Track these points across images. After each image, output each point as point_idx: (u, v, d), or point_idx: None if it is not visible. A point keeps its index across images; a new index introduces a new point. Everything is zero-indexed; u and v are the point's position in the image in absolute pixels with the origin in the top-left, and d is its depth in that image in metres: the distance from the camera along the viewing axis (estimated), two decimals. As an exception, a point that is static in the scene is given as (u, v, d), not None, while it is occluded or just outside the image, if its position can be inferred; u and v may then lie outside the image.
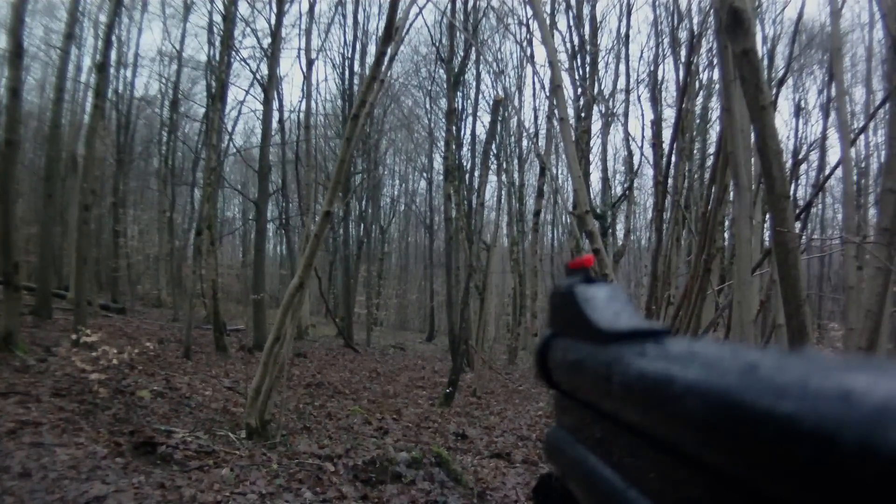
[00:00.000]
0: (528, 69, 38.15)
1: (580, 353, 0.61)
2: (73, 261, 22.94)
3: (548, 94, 27.88)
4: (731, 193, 12.65)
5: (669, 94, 33.47)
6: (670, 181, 16.59)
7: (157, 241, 41.84)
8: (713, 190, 10.44)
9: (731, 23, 5.72)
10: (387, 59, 11.10)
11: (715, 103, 28.80)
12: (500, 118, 30.64)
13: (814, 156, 35.00)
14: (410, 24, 16.01)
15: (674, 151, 15.73)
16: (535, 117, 36.06)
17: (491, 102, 35.65)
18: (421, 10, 18.73)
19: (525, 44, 33.49)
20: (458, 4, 29.10)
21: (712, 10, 11.10)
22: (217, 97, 24.28)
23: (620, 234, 32.25)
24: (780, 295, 7.66)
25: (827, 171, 28.61)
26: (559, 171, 39.09)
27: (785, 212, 5.71)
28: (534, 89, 48.50)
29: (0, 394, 10.98)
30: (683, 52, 28.14)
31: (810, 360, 0.35)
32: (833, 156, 34.08)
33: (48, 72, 39.66)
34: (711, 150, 28.42)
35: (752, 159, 8.09)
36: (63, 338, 16.31)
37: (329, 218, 11.13)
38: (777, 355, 0.37)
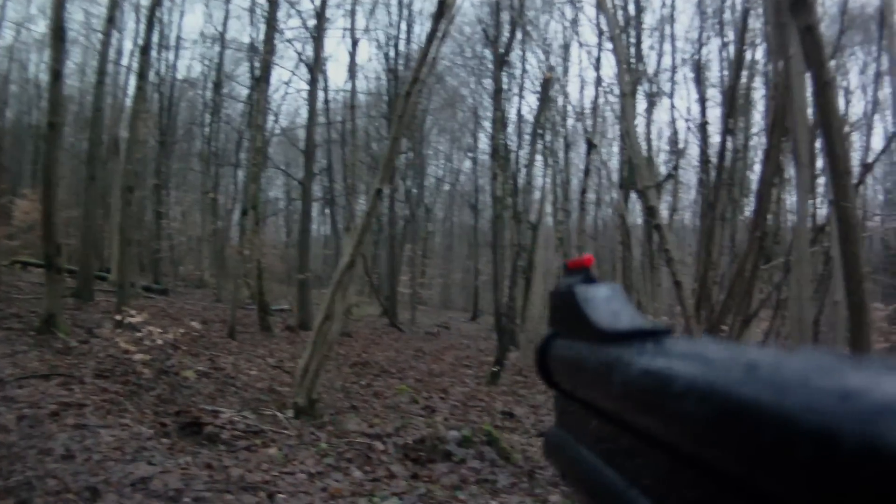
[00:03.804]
0: (574, 48, 38.16)
1: (580, 353, 0.60)
2: (115, 243, 23.09)
3: (596, 69, 27.82)
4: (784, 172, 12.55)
5: (712, 73, 33.35)
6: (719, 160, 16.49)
7: (200, 222, 42.09)
8: (766, 168, 10.37)
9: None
10: (439, 36, 11.02)
11: (757, 83, 28.66)
12: (547, 96, 30.61)
13: (854, 136, 34.75)
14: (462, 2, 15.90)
15: (725, 131, 15.65)
16: (581, 95, 36.08)
17: (536, 82, 35.65)
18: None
19: (571, 21, 33.54)
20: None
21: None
22: (262, 78, 24.35)
23: (664, 212, 32.14)
24: (836, 273, 7.54)
25: (870, 151, 28.33)
26: (603, 150, 39.09)
27: (847, 187, 5.62)
28: (579, 67, 48.33)
29: (42, 376, 11.04)
30: (728, 31, 28.06)
31: (810, 360, 0.35)
32: (876, 140, 33.74)
33: (88, 55, 39.97)
34: (754, 129, 28.25)
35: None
36: (105, 319, 16.43)
37: (380, 196, 11.15)
38: (777, 355, 0.37)
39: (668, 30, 33.94)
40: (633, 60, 29.42)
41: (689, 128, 32.34)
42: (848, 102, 36.52)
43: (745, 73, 28.13)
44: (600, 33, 31.44)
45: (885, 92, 24.09)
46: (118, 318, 14.13)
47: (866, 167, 23.71)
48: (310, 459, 8.49)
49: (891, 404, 0.28)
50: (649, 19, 36.69)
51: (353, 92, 29.04)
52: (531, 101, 37.31)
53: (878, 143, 29.68)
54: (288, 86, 37.52)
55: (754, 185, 26.34)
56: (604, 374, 0.52)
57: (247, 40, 36.07)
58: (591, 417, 0.57)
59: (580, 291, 0.64)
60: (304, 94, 31.73)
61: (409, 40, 36.20)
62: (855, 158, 33.95)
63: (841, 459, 0.28)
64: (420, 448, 9.28)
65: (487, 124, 33.27)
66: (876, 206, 38.46)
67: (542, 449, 0.72)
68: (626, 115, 11.36)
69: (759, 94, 28.73)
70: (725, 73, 28.70)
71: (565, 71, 38.25)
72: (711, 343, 0.45)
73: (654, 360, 0.46)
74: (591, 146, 26.93)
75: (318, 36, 28.08)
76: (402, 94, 11.14)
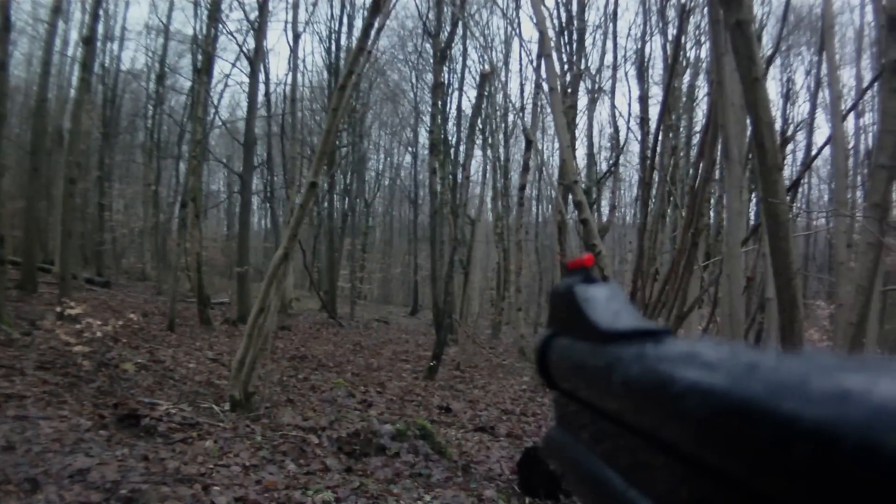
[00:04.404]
0: (515, 45, 38.29)
1: (580, 352, 0.60)
2: (59, 235, 22.93)
3: (535, 66, 27.91)
4: (720, 169, 12.67)
5: (656, 71, 33.59)
6: (657, 157, 16.60)
7: (142, 214, 41.81)
8: (701, 165, 10.45)
9: (726, -7, 5.70)
10: (374, 30, 11.08)
11: (701, 81, 28.98)
12: (486, 92, 30.69)
13: (800, 137, 35.12)
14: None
15: (661, 127, 15.74)
16: (522, 92, 36.16)
17: (477, 77, 35.76)
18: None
19: (512, 17, 33.54)
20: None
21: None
22: (203, 70, 24.33)
23: (605, 209, 32.34)
24: (769, 270, 7.62)
25: (814, 151, 28.75)
26: (545, 147, 39.14)
27: (777, 184, 5.69)
28: (520, 64, 48.58)
29: (-16, 368, 10.96)
30: (671, 29, 28.18)
31: (810, 360, 0.35)
32: (820, 137, 34.22)
33: (35, 46, 39.58)
34: (697, 127, 28.50)
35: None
36: (48, 311, 16.30)
37: (314, 188, 11.13)
38: (777, 355, 0.37)
39: (610, 27, 34.14)
40: (574, 58, 29.54)
41: (629, 127, 32.56)
42: (792, 102, 36.93)
43: (689, 70, 28.37)
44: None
45: (827, 92, 24.39)
46: (58, 310, 14.10)
47: (806, 165, 24.04)
48: (245, 452, 8.50)
49: (890, 405, 0.28)
50: (593, 16, 36.81)
51: (294, 85, 29.06)
52: (472, 95, 37.41)
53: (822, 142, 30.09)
54: (228, 78, 37.43)
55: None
56: (604, 374, 0.53)
57: (190, 32, 35.91)
58: (591, 417, 0.58)
59: (580, 291, 0.65)
60: (245, 87, 31.68)
61: (350, 34, 35.99)
62: (800, 158, 34.40)
63: (840, 460, 0.28)
64: (354, 441, 9.27)
65: (428, 119, 33.29)
66: (821, 206, 38.83)
67: (542, 448, 0.74)
68: (554, 110, 11.41)
69: (703, 91, 28.96)
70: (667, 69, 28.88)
71: (506, 66, 38.46)
72: (711, 343, 0.46)
73: (655, 360, 0.47)
74: (529, 142, 27.02)
75: (259, 28, 27.97)
76: (337, 87, 11.18)
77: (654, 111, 29.90)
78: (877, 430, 0.27)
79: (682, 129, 27.81)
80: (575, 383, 0.61)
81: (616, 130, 33.14)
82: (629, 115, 33.48)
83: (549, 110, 32.32)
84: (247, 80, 30.06)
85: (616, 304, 0.62)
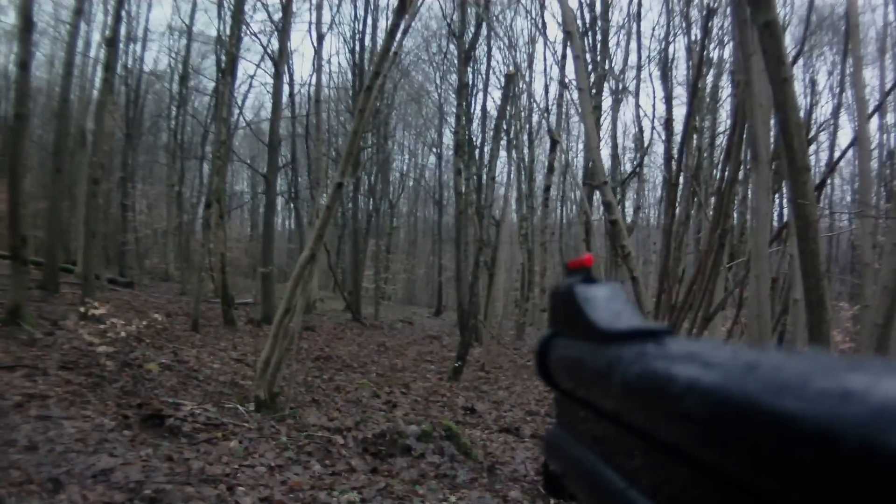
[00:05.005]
0: (539, 45, 38.24)
1: (580, 352, 0.60)
2: (82, 235, 22.98)
3: (560, 66, 27.89)
4: (744, 170, 12.59)
5: (680, 72, 33.50)
6: (683, 158, 16.55)
7: (166, 215, 41.90)
8: (728, 166, 10.39)
9: (754, -6, 5.66)
10: (400, 30, 11.04)
11: (725, 82, 28.84)
12: (511, 93, 30.62)
13: (822, 137, 34.98)
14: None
15: (687, 129, 15.70)
16: (546, 93, 36.12)
17: (501, 78, 35.75)
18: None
19: (536, 18, 33.55)
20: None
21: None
22: (227, 71, 24.39)
23: (629, 210, 32.28)
24: (795, 271, 7.57)
25: (837, 152, 28.58)
26: (569, 148, 39.08)
27: (806, 185, 5.64)
28: (545, 65, 48.52)
29: (7, 367, 10.97)
30: (694, 29, 28.10)
31: (811, 360, 0.35)
32: (843, 137, 34.04)
33: (57, 47, 39.74)
34: (721, 128, 28.36)
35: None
36: (70, 311, 16.33)
37: (341, 189, 11.12)
38: (777, 355, 0.37)
39: (634, 27, 34.11)
40: (598, 58, 29.51)
41: (653, 126, 32.49)
42: (815, 103, 36.77)
43: (712, 71, 28.28)
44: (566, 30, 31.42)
45: (851, 93, 24.27)
46: (82, 310, 14.11)
47: (831, 167, 23.90)
48: (270, 453, 8.49)
49: (891, 405, 0.28)
50: (616, 17, 36.81)
51: (318, 86, 29.06)
52: (496, 96, 37.47)
53: (846, 142, 29.96)
54: (252, 79, 37.51)
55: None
56: (604, 374, 0.53)
57: (213, 33, 35.99)
58: (591, 417, 0.58)
59: (580, 291, 0.64)
60: (270, 88, 31.77)
61: (374, 35, 36.06)
62: (823, 159, 34.24)
63: (841, 460, 0.28)
64: (380, 442, 9.26)
65: (452, 120, 33.34)
66: (844, 207, 38.68)
67: (542, 448, 0.74)
68: (583, 111, 11.41)
69: (726, 92, 28.89)
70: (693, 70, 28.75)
71: (530, 67, 38.42)
72: (711, 343, 0.46)
73: (654, 360, 0.47)
74: (554, 143, 26.97)
75: (283, 29, 28.03)
76: (363, 89, 11.17)
77: (678, 112, 29.87)
78: (878, 430, 0.27)
79: (705, 130, 27.74)
80: (575, 383, 0.62)
81: (640, 131, 33.10)
82: (654, 115, 33.36)
83: (573, 111, 32.31)
84: (271, 80, 30.21)
85: (616, 304, 0.62)
